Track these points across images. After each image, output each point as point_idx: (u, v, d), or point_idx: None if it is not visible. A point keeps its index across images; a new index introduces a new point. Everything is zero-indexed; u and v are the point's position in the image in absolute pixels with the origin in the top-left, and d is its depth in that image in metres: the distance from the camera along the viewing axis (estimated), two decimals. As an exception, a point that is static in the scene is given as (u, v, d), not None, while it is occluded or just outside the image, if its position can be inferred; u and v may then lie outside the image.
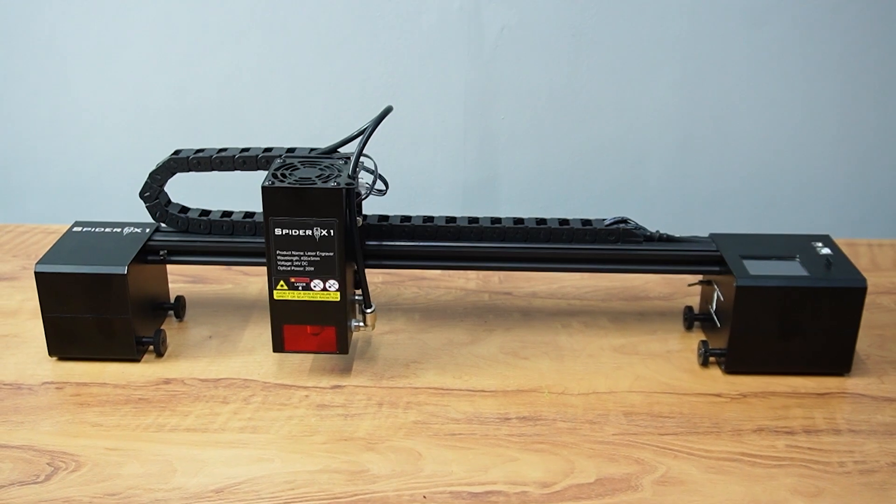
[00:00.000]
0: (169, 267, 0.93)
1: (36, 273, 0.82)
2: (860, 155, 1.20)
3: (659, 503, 0.68)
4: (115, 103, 1.19)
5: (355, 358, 0.87)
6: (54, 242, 0.86)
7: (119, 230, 0.89)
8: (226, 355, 0.87)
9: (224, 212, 0.89)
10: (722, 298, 0.84)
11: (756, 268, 0.82)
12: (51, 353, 0.85)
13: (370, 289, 0.84)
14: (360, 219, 0.82)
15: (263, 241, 0.79)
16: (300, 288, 0.79)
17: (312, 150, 0.85)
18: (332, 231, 0.77)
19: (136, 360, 0.85)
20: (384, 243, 0.86)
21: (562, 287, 1.02)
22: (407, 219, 0.87)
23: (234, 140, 1.12)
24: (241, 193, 1.02)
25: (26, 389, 0.81)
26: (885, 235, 1.21)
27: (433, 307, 0.97)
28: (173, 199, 0.89)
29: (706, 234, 0.89)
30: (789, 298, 0.80)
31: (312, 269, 0.78)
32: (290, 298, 0.80)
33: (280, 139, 1.14)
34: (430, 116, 1.18)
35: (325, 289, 0.79)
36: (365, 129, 0.82)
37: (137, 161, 1.01)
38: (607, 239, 0.86)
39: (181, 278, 1.01)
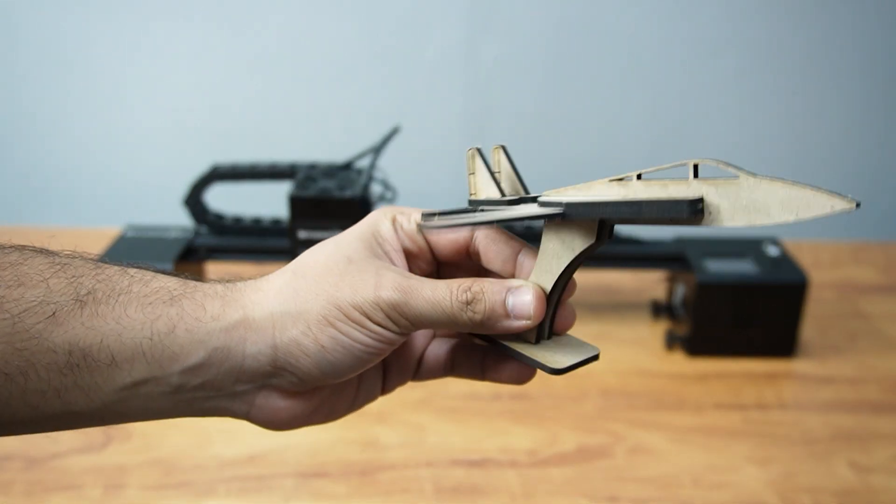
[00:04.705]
0: (208, 264, 0.92)
1: (93, 270, 0.81)
2: (804, 168, 1.20)
3: (631, 469, 0.67)
4: (161, 122, 1.19)
5: (368, 343, 0.86)
6: (110, 243, 0.86)
7: (165, 233, 0.88)
8: (257, 341, 0.87)
9: (255, 217, 0.88)
10: (685, 292, 0.84)
11: (714, 266, 0.82)
12: (106, 339, 0.84)
13: (381, 284, 0.83)
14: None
15: (289, 242, 0.79)
16: (321, 283, 0.79)
17: (331, 164, 0.85)
18: (348, 234, 0.77)
19: (180, 345, 0.85)
20: (393, 244, 0.86)
21: (546, 282, 1.01)
22: (413, 223, 0.87)
23: (264, 155, 1.11)
24: (270, 201, 1.01)
25: (84, 370, 0.81)
26: (824, 237, 1.21)
27: (435, 299, 0.97)
28: (212, 207, 0.89)
29: (671, 237, 0.89)
30: (742, 292, 0.80)
31: (331, 266, 0.78)
32: (312, 292, 0.79)
33: (303, 154, 1.14)
34: (432, 135, 1.18)
35: (342, 284, 0.79)
36: (376, 146, 0.82)
37: (181, 173, 1.00)
38: (586, 241, 0.86)
39: (218, 274, 1.01)
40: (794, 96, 1.15)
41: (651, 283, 0.98)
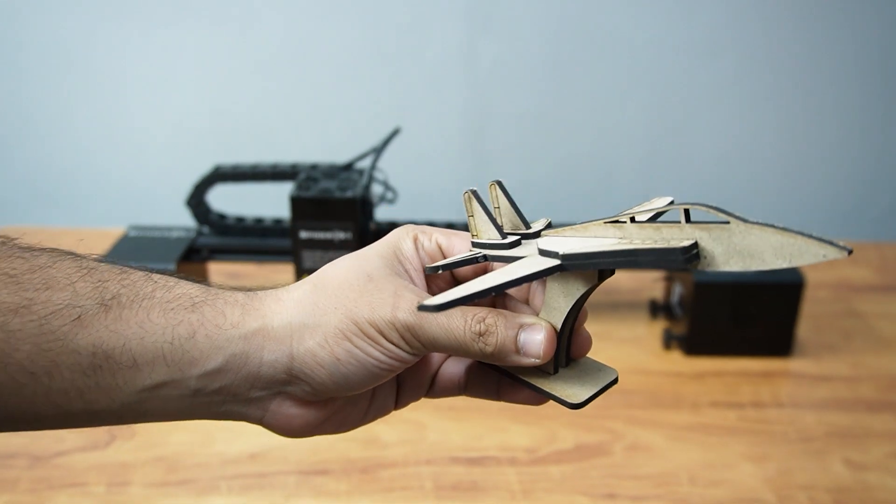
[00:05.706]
0: (210, 264, 0.92)
1: (96, 270, 0.81)
2: (798, 169, 1.20)
3: (628, 466, 0.67)
4: (164, 124, 1.19)
5: (369, 342, 0.86)
6: (114, 243, 0.86)
7: (168, 233, 0.88)
8: (258, 340, 0.87)
9: (257, 217, 0.89)
10: (682, 292, 0.84)
11: (711, 265, 0.82)
12: (109, 338, 0.85)
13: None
14: (373, 223, 0.82)
15: (291, 242, 0.79)
16: (322, 282, 0.79)
17: (333, 165, 0.85)
18: (349, 234, 0.77)
19: (182, 343, 0.85)
20: (394, 244, 0.86)
21: (545, 281, 1.01)
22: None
23: (265, 156, 1.11)
24: (271, 202, 1.01)
25: (88, 369, 0.81)
26: (820, 237, 1.21)
27: (435, 299, 0.97)
28: (214, 207, 0.89)
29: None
30: (739, 292, 0.80)
31: (332, 266, 0.78)
32: (313, 291, 0.79)
33: (304, 155, 1.14)
34: (432, 135, 1.18)
35: (343, 283, 0.79)
36: (377, 147, 0.82)
37: (183, 174, 1.01)
38: (584, 241, 0.86)
39: (220, 274, 1.01)
40: (792, 99, 1.15)
41: (649, 282, 0.98)
